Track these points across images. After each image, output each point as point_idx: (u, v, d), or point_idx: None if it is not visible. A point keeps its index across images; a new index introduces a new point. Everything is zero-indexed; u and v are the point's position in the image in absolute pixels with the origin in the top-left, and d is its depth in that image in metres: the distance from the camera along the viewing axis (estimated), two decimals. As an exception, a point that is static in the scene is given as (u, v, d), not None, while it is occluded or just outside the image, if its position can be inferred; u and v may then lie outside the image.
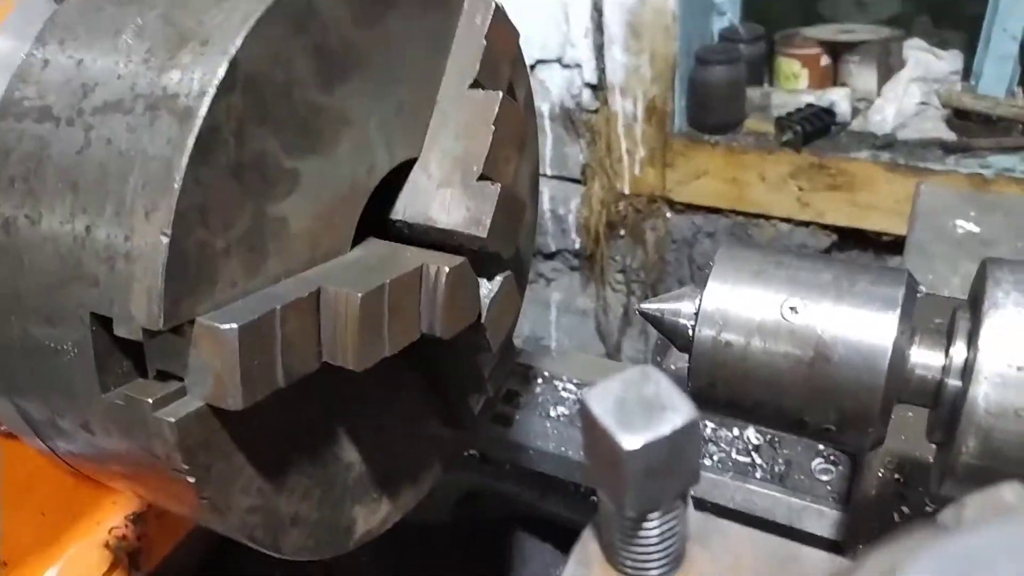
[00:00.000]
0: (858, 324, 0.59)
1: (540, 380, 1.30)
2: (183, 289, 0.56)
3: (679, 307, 0.66)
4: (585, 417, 0.37)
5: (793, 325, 0.61)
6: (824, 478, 1.09)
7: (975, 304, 0.60)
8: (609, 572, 0.40)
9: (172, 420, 0.57)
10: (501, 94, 0.74)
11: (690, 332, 0.64)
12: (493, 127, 0.72)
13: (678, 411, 0.36)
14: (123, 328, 0.57)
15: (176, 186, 0.55)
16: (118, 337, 0.58)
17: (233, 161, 0.58)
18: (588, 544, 0.42)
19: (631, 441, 0.36)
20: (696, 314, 0.64)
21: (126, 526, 1.03)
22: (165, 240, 0.54)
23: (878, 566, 0.19)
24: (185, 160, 0.55)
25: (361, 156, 0.70)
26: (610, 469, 0.37)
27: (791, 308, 0.61)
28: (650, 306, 0.68)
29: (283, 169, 0.62)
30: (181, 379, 0.59)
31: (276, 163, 0.62)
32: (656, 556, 0.40)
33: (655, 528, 0.39)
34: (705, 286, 0.64)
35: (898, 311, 0.59)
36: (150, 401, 0.57)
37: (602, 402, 0.37)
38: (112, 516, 1.04)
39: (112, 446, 0.64)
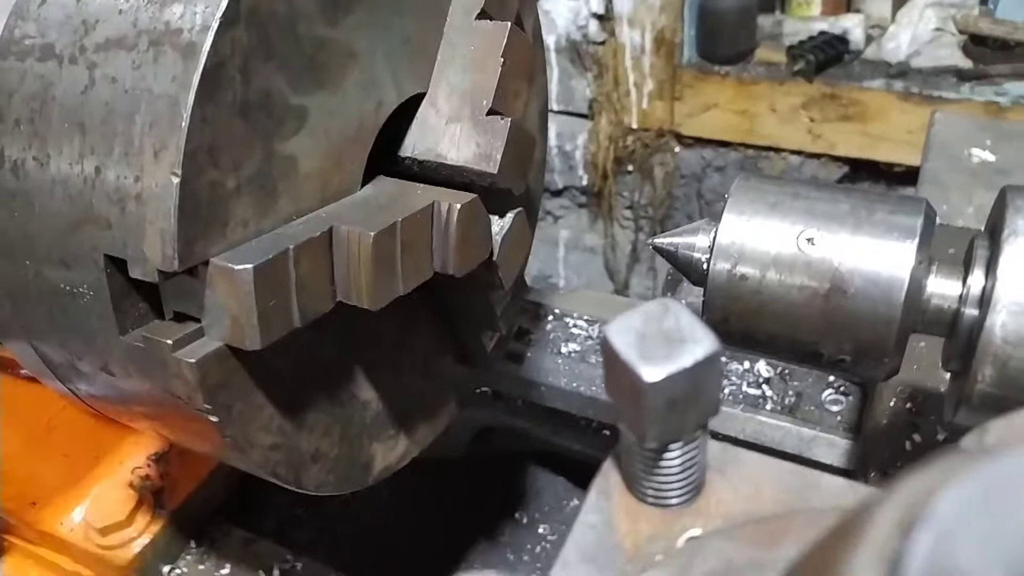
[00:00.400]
0: (876, 255, 0.58)
1: (550, 317, 1.30)
2: (196, 230, 0.56)
3: (693, 241, 0.65)
4: (606, 350, 0.37)
5: (810, 257, 0.60)
6: (834, 408, 1.10)
7: (994, 233, 0.59)
8: (630, 501, 0.41)
9: (192, 361, 0.57)
10: (510, 24, 0.72)
11: (704, 266, 0.64)
12: (502, 59, 0.70)
13: (699, 343, 0.36)
14: (138, 270, 0.57)
15: (184, 125, 0.54)
16: (133, 279, 0.58)
17: (240, 98, 0.57)
18: (609, 474, 0.42)
19: (652, 373, 0.36)
20: (711, 247, 0.63)
21: (148, 466, 1.05)
22: (176, 180, 0.54)
23: (911, 491, 0.19)
24: (191, 98, 0.54)
25: (369, 91, 0.68)
26: (631, 401, 0.37)
27: (808, 240, 0.60)
28: (663, 240, 0.67)
29: (290, 106, 0.61)
30: (198, 320, 0.59)
31: (283, 100, 0.60)
32: (677, 485, 0.40)
33: (676, 458, 0.39)
34: (720, 219, 0.63)
35: (916, 241, 0.58)
36: (169, 342, 0.58)
37: (623, 335, 0.37)
38: (135, 456, 1.06)
39: (133, 387, 0.65)
